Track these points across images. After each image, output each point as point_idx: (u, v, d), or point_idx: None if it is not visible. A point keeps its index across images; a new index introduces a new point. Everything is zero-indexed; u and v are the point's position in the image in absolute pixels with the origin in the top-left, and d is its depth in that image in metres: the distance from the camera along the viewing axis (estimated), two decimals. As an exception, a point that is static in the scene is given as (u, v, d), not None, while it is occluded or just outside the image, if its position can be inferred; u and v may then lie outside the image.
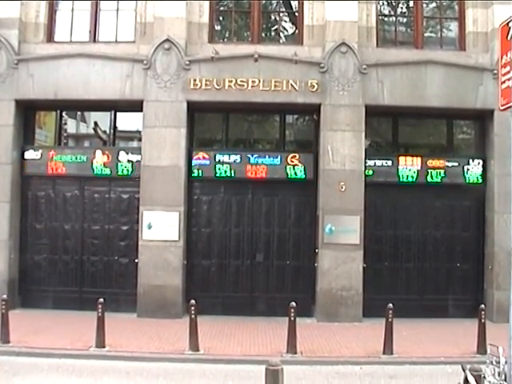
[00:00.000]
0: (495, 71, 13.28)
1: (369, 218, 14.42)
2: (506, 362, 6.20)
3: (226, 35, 15.84)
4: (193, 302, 11.34)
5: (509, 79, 6.72)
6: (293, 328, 11.03)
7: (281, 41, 15.75)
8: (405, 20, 15.86)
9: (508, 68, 6.74)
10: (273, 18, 15.97)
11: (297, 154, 14.96)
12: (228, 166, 14.91)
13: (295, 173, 14.88)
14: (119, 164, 14.96)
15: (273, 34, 15.96)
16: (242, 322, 13.89)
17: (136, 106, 14.53)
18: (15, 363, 10.40)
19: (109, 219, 15.03)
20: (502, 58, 6.94)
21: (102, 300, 11.30)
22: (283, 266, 14.97)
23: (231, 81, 14.43)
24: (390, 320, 11.06)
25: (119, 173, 14.96)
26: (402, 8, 15.84)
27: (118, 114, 15.36)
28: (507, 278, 7.26)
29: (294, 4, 15.61)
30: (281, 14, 15.85)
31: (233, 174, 14.92)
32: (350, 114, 14.43)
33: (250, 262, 14.97)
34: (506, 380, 6.12)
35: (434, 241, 15.03)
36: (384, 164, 14.99)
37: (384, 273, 14.90)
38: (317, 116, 14.93)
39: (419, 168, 14.93)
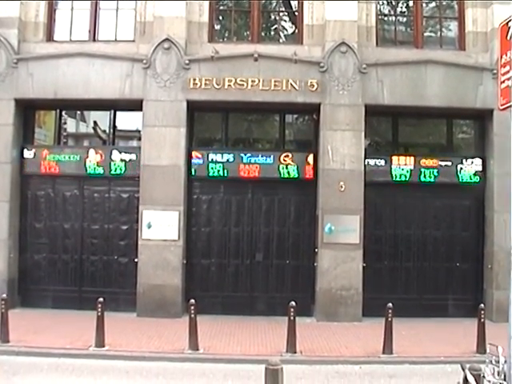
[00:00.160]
0: (495, 71, 13.26)
1: (368, 217, 14.42)
2: (505, 362, 6.20)
3: (226, 35, 15.84)
4: (192, 301, 11.35)
5: (508, 79, 6.72)
6: (292, 327, 11.03)
7: (280, 40, 15.75)
8: (404, 19, 15.86)
9: (507, 68, 6.75)
10: (273, 17, 15.97)
11: (290, 153, 14.96)
12: (221, 165, 14.92)
13: (288, 172, 14.88)
14: (112, 163, 14.96)
15: (272, 33, 15.97)
16: (242, 321, 13.89)
17: (136, 105, 14.53)
18: (15, 363, 10.41)
19: (108, 218, 15.03)
20: (501, 57, 6.94)
21: (101, 299, 11.29)
22: (283, 265, 14.97)
23: (231, 80, 14.43)
24: (389, 319, 11.07)
25: (112, 172, 14.97)
26: (401, 7, 15.84)
27: (118, 113, 15.35)
28: (507, 278, 7.25)
29: (294, 3, 15.60)
30: (280, 14, 15.85)
31: (226, 174, 14.92)
32: (349, 114, 14.43)
33: (250, 261, 14.97)
34: (505, 379, 6.12)
35: (434, 240, 15.03)
36: (378, 163, 15.00)
37: (384, 272, 14.90)
38: (316, 115, 14.93)
39: (418, 167, 14.92)
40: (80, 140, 16.74)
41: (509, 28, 6.72)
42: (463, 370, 6.35)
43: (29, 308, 14.62)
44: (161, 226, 14.26)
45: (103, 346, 11.13)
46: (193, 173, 14.95)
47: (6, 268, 14.41)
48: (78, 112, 16.29)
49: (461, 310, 14.69)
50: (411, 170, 14.93)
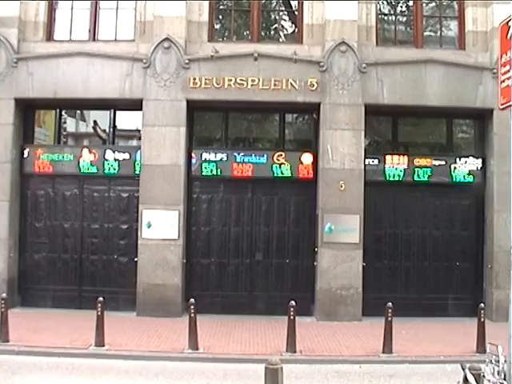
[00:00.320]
0: (495, 70, 13.26)
1: (368, 216, 14.42)
2: (505, 361, 6.20)
3: (226, 34, 15.83)
4: (192, 300, 11.35)
5: (508, 78, 6.72)
6: (292, 327, 11.04)
7: (280, 40, 15.75)
8: (404, 19, 15.85)
9: (507, 67, 6.75)
10: (272, 16, 15.97)
11: (283, 152, 14.96)
12: (214, 164, 14.93)
13: (281, 171, 14.88)
14: (106, 162, 14.97)
15: (272, 32, 15.97)
16: (242, 320, 13.89)
17: (135, 104, 14.53)
18: (14, 362, 10.40)
19: (108, 218, 15.04)
20: (501, 57, 6.94)
21: (101, 299, 11.29)
22: (283, 264, 14.98)
23: (231, 80, 14.43)
24: (389, 319, 11.07)
25: (106, 171, 14.97)
26: (401, 7, 15.84)
27: (118, 112, 15.36)
28: (506, 277, 7.26)
29: (294, 3, 15.59)
30: (280, 13, 15.87)
31: (219, 173, 14.94)
32: (349, 113, 14.43)
33: (250, 260, 14.97)
34: (505, 379, 6.12)
35: (434, 240, 15.04)
36: (372, 162, 15.02)
37: (383, 272, 14.92)
38: (316, 115, 14.93)
39: (418, 167, 14.92)
40: (80, 139, 16.74)
41: (509, 27, 6.72)
42: (463, 369, 6.35)
43: (29, 307, 14.62)
44: (161, 226, 14.25)
45: (103, 346, 11.13)
46: (193, 172, 14.96)
47: (6, 267, 14.41)
48: (78, 111, 16.32)
49: (461, 309, 14.69)
50: (411, 170, 14.92)
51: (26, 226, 15.12)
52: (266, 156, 14.91)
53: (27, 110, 15.19)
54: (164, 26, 14.52)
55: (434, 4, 15.78)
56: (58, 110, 15.40)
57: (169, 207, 14.25)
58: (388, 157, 14.98)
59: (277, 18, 15.85)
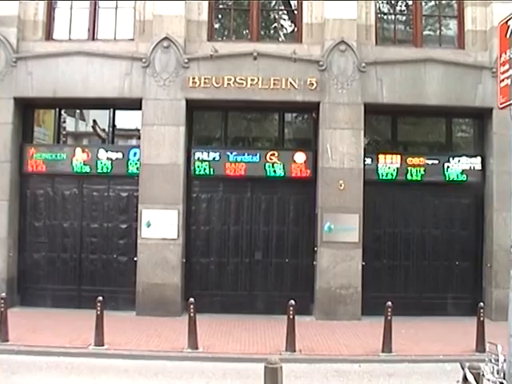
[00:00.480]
0: (494, 69, 13.31)
1: (368, 216, 14.42)
2: (504, 360, 6.20)
3: (225, 33, 15.82)
4: (192, 300, 11.36)
5: (508, 77, 6.71)
6: (292, 326, 11.04)
7: (280, 39, 15.74)
8: (404, 18, 15.85)
9: (507, 66, 6.74)
10: (272, 16, 15.96)
11: (276, 151, 14.96)
12: (207, 163, 14.93)
13: (274, 170, 14.88)
14: (99, 161, 14.96)
15: (272, 32, 15.96)
16: (241, 320, 13.89)
17: (135, 104, 14.52)
18: (14, 361, 10.39)
19: (108, 217, 15.03)
20: (501, 56, 6.93)
21: (100, 298, 11.29)
22: (282, 264, 14.98)
23: (230, 79, 14.42)
24: (388, 318, 11.07)
25: (98, 170, 14.97)
26: (401, 6, 15.83)
27: (117, 112, 15.36)
28: (506, 276, 7.27)
29: (293, 2, 15.58)
30: (280, 12, 15.86)
31: (211, 172, 14.94)
32: (348, 112, 14.42)
33: (249, 260, 14.97)
34: (504, 378, 6.12)
35: (433, 239, 15.04)
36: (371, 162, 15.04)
37: (383, 271, 14.92)
38: (316, 114, 14.93)
39: (417, 166, 14.92)
40: (79, 139, 16.73)
41: (508, 26, 6.71)
42: (462, 368, 6.35)
43: (28, 307, 14.62)
44: (160, 225, 14.26)
45: (102, 345, 11.13)
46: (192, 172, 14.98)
47: (6, 267, 14.40)
48: (78, 111, 16.31)
49: (460, 308, 14.70)
50: (410, 169, 14.91)
51: (26, 225, 15.12)
52: (259, 155, 14.90)
53: (26, 109, 15.18)
54: (163, 25, 14.52)
55: (433, 3, 15.77)
56: (57, 110, 15.41)
57: (168, 206, 14.25)
58: (388, 156, 14.97)
59: (276, 17, 15.84)
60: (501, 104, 6.92)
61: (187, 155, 14.80)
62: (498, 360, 6.29)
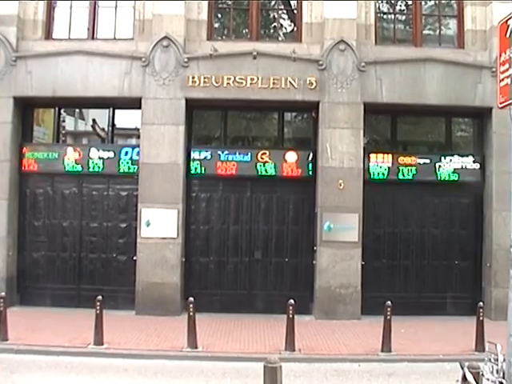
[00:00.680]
0: (494, 69, 13.33)
1: (367, 215, 14.43)
2: (504, 360, 6.19)
3: (225, 33, 15.82)
4: (191, 299, 11.34)
5: (507, 77, 6.70)
6: (291, 325, 11.04)
7: (279, 38, 15.74)
8: (403, 18, 15.84)
9: (507, 66, 6.73)
10: (271, 15, 15.95)
11: (267, 150, 14.98)
12: (198, 162, 14.96)
13: (265, 170, 14.89)
14: (90, 161, 14.98)
15: (271, 31, 15.96)
16: (241, 319, 13.89)
17: (134, 103, 14.52)
18: (14, 361, 10.40)
19: (107, 216, 15.03)
20: (500, 55, 6.92)
21: (100, 297, 11.29)
22: (281, 263, 14.98)
23: (230, 78, 14.42)
24: (388, 317, 11.06)
25: (90, 169, 14.97)
26: (400, 6, 15.81)
27: (117, 111, 15.36)
28: (505, 276, 7.27)
29: (293, 2, 15.57)
30: (279, 12, 15.84)
31: (203, 171, 14.96)
32: (348, 112, 14.43)
33: (249, 259, 14.97)
34: (504, 377, 6.11)
35: (433, 238, 15.04)
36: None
37: (382, 270, 14.92)
38: (315, 114, 14.92)
39: (417, 166, 14.94)
40: (79, 138, 16.75)
41: (508, 26, 6.70)
42: (462, 368, 6.35)
43: (27, 306, 14.62)
44: (160, 224, 14.26)
45: (102, 344, 11.13)
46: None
47: (5, 266, 14.40)
48: (77, 110, 16.36)
49: (459, 308, 14.70)
50: (410, 168, 14.92)
51: (25, 224, 15.12)
52: (250, 154, 14.91)
53: (26, 108, 15.18)
54: (163, 24, 14.52)
55: (433, 3, 15.77)
56: (56, 109, 15.41)
57: (168, 206, 14.26)
58: (388, 155, 14.98)
59: (276, 16, 15.83)
60: (500, 103, 6.92)
61: (187, 154, 14.79)
62: (497, 359, 6.28)
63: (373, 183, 14.62)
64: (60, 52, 14.65)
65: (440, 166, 14.95)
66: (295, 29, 15.41)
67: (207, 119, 16.13)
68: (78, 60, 14.58)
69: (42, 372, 9.94)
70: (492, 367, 6.31)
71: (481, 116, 15.09)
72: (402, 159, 14.94)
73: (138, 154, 14.74)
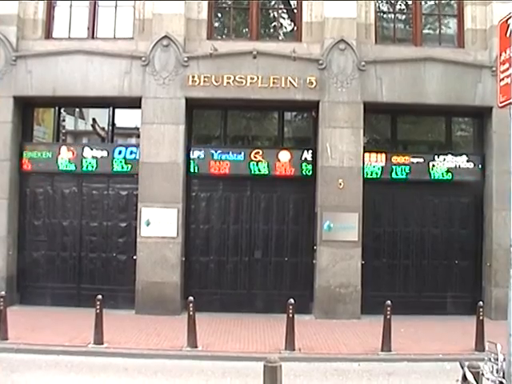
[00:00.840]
0: (494, 68, 13.35)
1: (367, 214, 14.43)
2: (504, 359, 6.19)
3: (225, 32, 15.83)
4: (191, 298, 11.34)
5: (508, 76, 6.70)
6: (291, 325, 11.04)
7: (279, 37, 15.73)
8: (403, 17, 15.85)
9: (507, 65, 6.73)
10: (271, 14, 15.95)
11: (260, 149, 15.00)
12: (192, 161, 14.97)
13: (259, 169, 14.90)
14: (83, 160, 14.99)
15: (271, 30, 15.95)
16: (240, 318, 13.89)
17: (134, 102, 14.52)
18: (14, 360, 10.40)
19: (107, 216, 15.04)
20: (500, 55, 6.92)
21: (100, 297, 11.30)
22: (281, 262, 14.98)
23: (230, 77, 14.42)
24: (388, 317, 11.06)
25: (84, 169, 14.98)
26: (400, 5, 15.81)
27: (117, 110, 15.36)
28: (505, 275, 7.25)
29: (293, 1, 15.58)
30: (279, 11, 15.84)
31: (196, 170, 14.98)
32: (348, 111, 14.43)
33: (249, 258, 14.97)
34: (504, 377, 6.11)
35: (433, 238, 15.04)
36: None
37: (382, 270, 14.92)
38: (315, 113, 14.92)
39: (416, 165, 14.94)
40: (79, 137, 16.77)
41: (508, 25, 6.70)
42: (462, 367, 6.34)
43: (27, 305, 14.63)
44: (159, 224, 14.26)
45: (102, 344, 11.14)
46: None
47: (5, 265, 14.40)
48: (77, 109, 16.35)
49: (459, 307, 14.70)
50: (409, 168, 14.93)
51: (25, 223, 15.12)
52: (243, 154, 14.92)
53: (26, 107, 15.18)
54: (163, 23, 14.52)
55: (433, 2, 15.77)
56: (56, 108, 15.41)
57: (168, 205, 14.26)
58: (388, 155, 14.98)
59: (276, 15, 15.83)
60: (501, 103, 6.91)
61: (187, 154, 14.79)
62: (497, 359, 6.27)
63: (373, 182, 14.62)
64: (60, 51, 14.65)
65: (439, 166, 14.94)
66: (295, 28, 15.41)
67: (207, 119, 16.13)
68: (78, 59, 14.58)
69: (42, 371, 9.94)
70: (492, 367, 6.30)
71: (481, 115, 15.08)
72: (401, 158, 14.93)
73: (132, 153, 14.86)
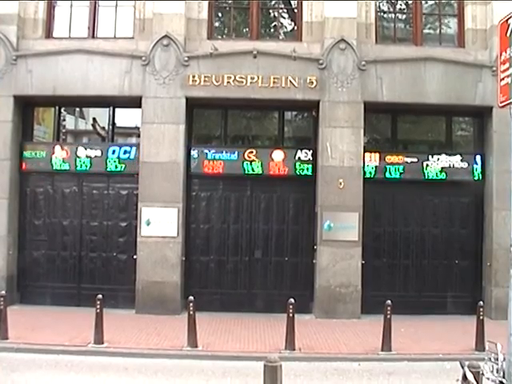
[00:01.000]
0: (494, 68, 13.36)
1: (367, 214, 14.42)
2: (504, 359, 6.19)
3: (225, 31, 15.82)
4: (191, 298, 11.34)
5: (508, 76, 6.69)
6: (291, 324, 11.04)
7: (280, 37, 15.71)
8: (404, 17, 15.85)
9: (507, 65, 6.72)
10: (272, 14, 15.94)
11: (254, 149, 15.01)
12: (195, 161, 15.02)
13: (252, 168, 14.90)
14: (77, 159, 15.00)
15: (272, 30, 15.95)
16: (241, 318, 13.89)
17: (135, 102, 14.52)
18: (14, 359, 10.39)
19: (107, 215, 15.04)
20: (501, 54, 6.91)
21: (100, 296, 11.29)
22: (282, 262, 14.97)
23: (230, 77, 14.42)
24: (388, 317, 11.05)
25: (78, 168, 15.00)
26: (401, 5, 15.82)
27: (117, 110, 15.36)
28: (505, 275, 7.26)
29: (293, 1, 15.58)
30: (280, 11, 15.83)
31: (197, 170, 15.01)
32: (348, 111, 14.43)
33: (249, 258, 14.97)
34: (504, 377, 6.10)
35: (433, 238, 15.04)
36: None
37: (382, 269, 14.92)
38: (315, 113, 14.92)
39: (415, 164, 14.93)
40: (79, 137, 16.77)
41: (508, 25, 6.69)
42: (462, 367, 6.34)
43: (28, 305, 14.64)
44: (160, 223, 14.26)
45: (102, 343, 11.14)
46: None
47: (5, 265, 14.41)
48: (77, 109, 16.34)
49: (460, 307, 14.69)
50: (409, 167, 14.92)
51: (25, 223, 15.12)
52: (236, 153, 14.93)
53: (26, 107, 15.18)
54: (163, 23, 14.52)
55: (433, 2, 15.76)
56: (57, 108, 15.41)
57: (168, 204, 14.26)
58: (388, 154, 14.98)
59: (276, 15, 15.82)
60: (501, 103, 6.91)
61: (187, 153, 14.79)
62: (497, 359, 6.27)
63: (373, 182, 14.61)
64: (60, 51, 14.65)
65: (439, 165, 14.94)
66: (295, 28, 15.40)
67: (207, 118, 16.13)
68: (78, 59, 14.58)
69: (42, 371, 9.94)
70: (492, 366, 6.30)
71: (481, 115, 15.08)
72: (402, 158, 14.93)
73: (126, 152, 14.93)
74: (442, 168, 14.95)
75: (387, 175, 14.89)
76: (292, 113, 16.01)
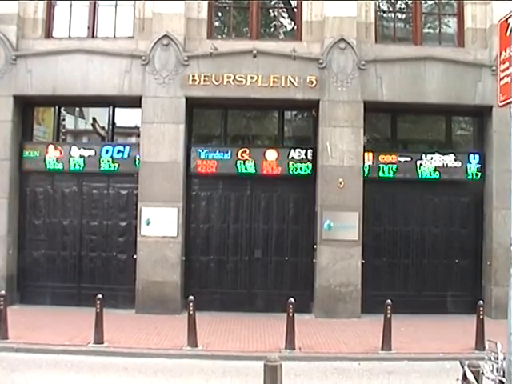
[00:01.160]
0: (494, 67, 13.37)
1: (367, 213, 14.42)
2: (504, 358, 6.19)
3: (225, 31, 15.81)
4: (191, 298, 11.34)
5: (508, 75, 6.69)
6: (291, 324, 11.04)
7: (279, 37, 15.71)
8: (404, 16, 15.84)
9: (507, 64, 6.72)
10: (271, 14, 15.94)
11: (247, 148, 15.02)
12: (192, 161, 15.02)
13: (245, 168, 14.91)
14: (71, 159, 15.01)
15: (271, 29, 15.94)
16: (241, 318, 13.89)
17: (135, 101, 14.52)
18: (14, 359, 10.39)
19: (107, 215, 15.04)
20: (500, 54, 6.92)
21: (100, 296, 11.29)
22: (282, 262, 14.97)
23: (230, 77, 14.42)
24: (388, 316, 11.06)
25: (71, 168, 15.00)
26: (400, 4, 15.82)
27: (117, 109, 15.35)
28: (505, 274, 7.26)
29: (293, 1, 15.57)
30: (279, 10, 15.83)
31: (197, 170, 15.03)
32: (348, 110, 14.42)
33: (249, 258, 14.97)
34: (504, 376, 6.10)
35: (433, 237, 15.04)
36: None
37: (382, 269, 14.91)
38: (315, 112, 14.91)
39: (416, 164, 14.93)
40: (79, 136, 16.75)
41: (508, 24, 6.70)
42: (462, 366, 6.34)
43: (28, 305, 14.64)
44: (160, 223, 14.26)
45: (102, 343, 11.14)
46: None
47: (5, 264, 14.41)
48: (77, 109, 16.32)
49: (460, 306, 14.69)
50: (409, 167, 14.92)
51: (25, 223, 15.12)
52: (230, 152, 14.94)
53: (26, 107, 15.18)
54: (163, 23, 14.51)
55: (432, 1, 15.77)
56: (56, 107, 15.41)
57: (168, 204, 14.26)
58: (388, 154, 14.98)
59: (276, 15, 15.82)
60: (501, 102, 6.91)
61: (187, 153, 14.79)
62: (497, 358, 6.27)
63: (372, 182, 14.60)
64: (60, 51, 14.64)
65: (439, 165, 14.94)
66: (295, 27, 15.40)
67: (207, 118, 16.13)
68: (78, 58, 14.58)
69: (42, 370, 9.94)
70: (492, 366, 6.30)
71: (481, 114, 15.08)
72: (401, 158, 14.95)
73: (119, 152, 14.95)
74: (442, 167, 14.94)
75: (387, 175, 14.89)
76: (292, 112, 16.01)
